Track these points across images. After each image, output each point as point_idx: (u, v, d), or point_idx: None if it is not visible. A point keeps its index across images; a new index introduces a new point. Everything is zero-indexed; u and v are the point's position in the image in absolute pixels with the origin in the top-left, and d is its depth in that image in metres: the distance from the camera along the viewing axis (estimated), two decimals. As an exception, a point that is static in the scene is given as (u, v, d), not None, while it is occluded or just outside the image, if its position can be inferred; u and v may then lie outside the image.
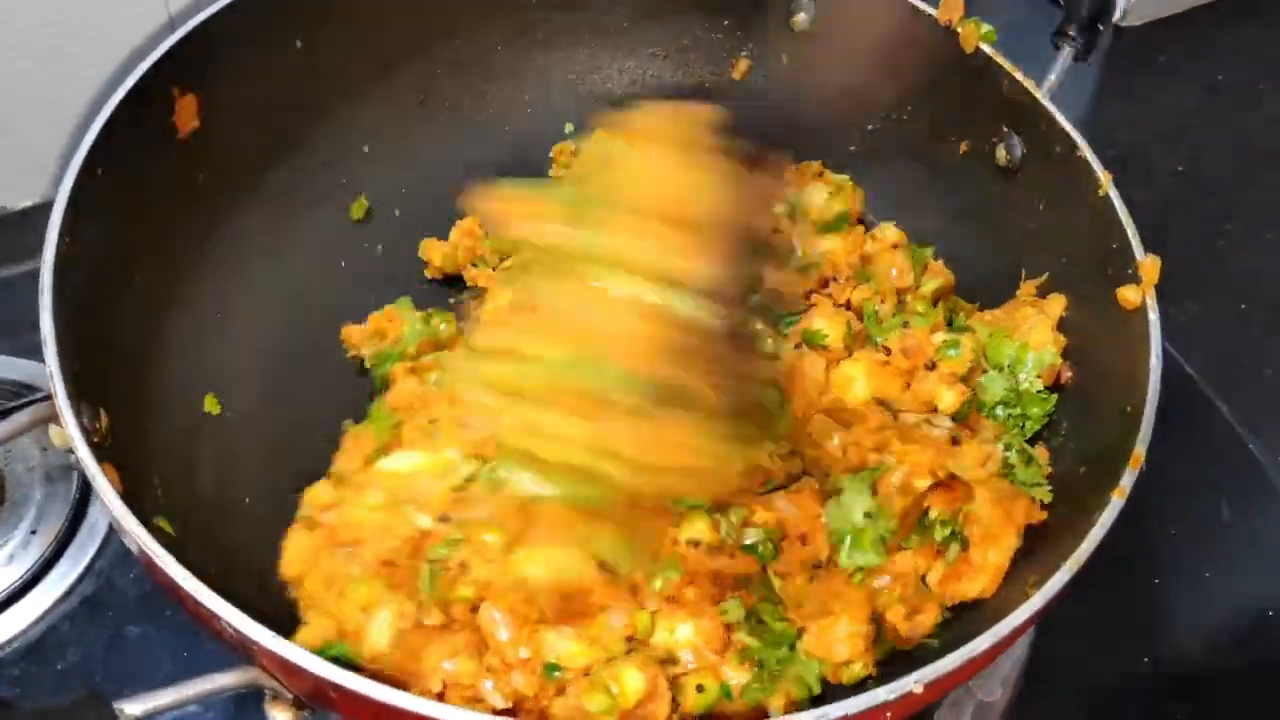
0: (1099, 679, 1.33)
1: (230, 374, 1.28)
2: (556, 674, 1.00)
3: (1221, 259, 1.51)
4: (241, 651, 0.92)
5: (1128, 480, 1.03)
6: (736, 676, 1.06)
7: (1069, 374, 1.24)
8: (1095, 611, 1.34)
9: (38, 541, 1.29)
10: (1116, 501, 1.02)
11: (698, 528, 1.10)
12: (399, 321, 1.32)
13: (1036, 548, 1.11)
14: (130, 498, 0.97)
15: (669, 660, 1.06)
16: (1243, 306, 1.53)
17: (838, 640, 1.05)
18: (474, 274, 1.42)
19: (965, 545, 1.10)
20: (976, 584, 1.10)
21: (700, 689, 1.04)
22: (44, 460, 1.34)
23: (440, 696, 1.00)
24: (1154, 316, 1.13)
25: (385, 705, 0.85)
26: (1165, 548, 1.41)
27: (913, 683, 0.90)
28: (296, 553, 1.04)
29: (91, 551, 1.30)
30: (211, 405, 1.25)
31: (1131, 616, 1.36)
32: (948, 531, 1.10)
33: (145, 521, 0.95)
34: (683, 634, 1.05)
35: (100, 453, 0.98)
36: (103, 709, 0.86)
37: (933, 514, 1.11)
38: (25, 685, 1.20)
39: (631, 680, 1.00)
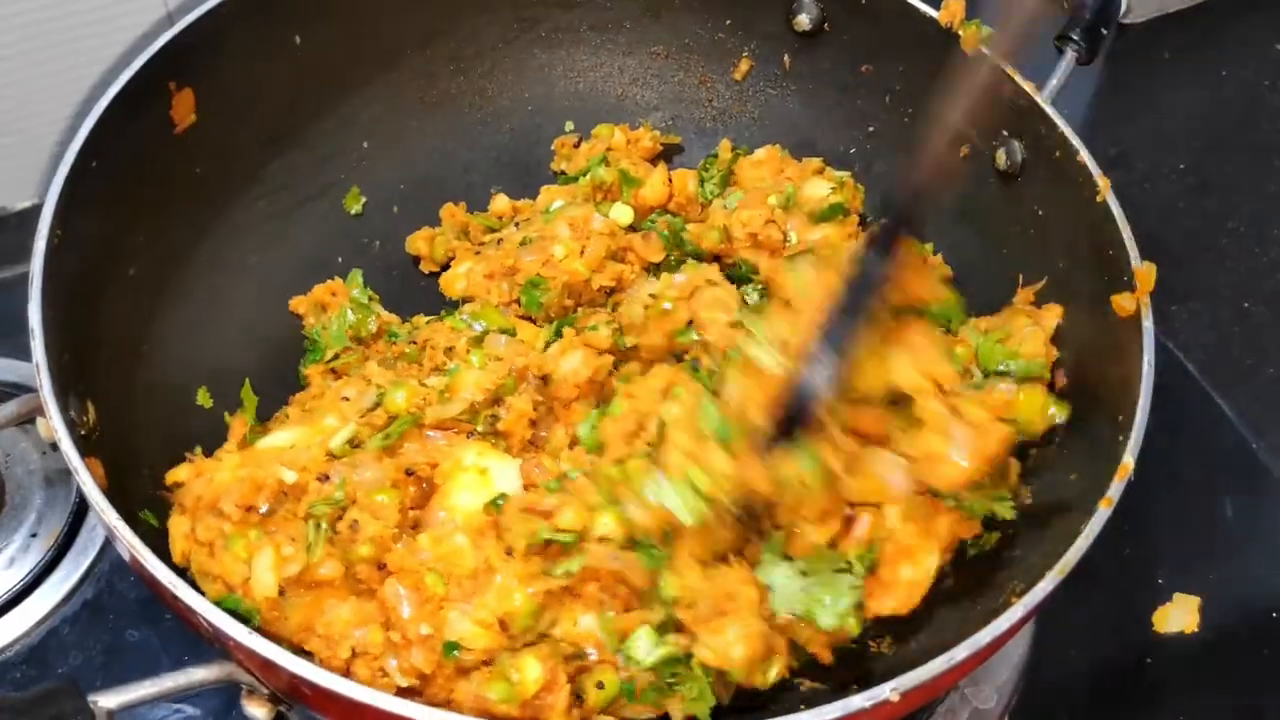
0: (1099, 680, 1.32)
1: (224, 368, 1.28)
2: (455, 654, 1.00)
3: (1224, 256, 1.49)
4: (219, 646, 0.92)
5: (1116, 490, 1.02)
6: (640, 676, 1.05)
7: (1063, 381, 1.22)
8: (1096, 611, 1.33)
9: (38, 545, 1.30)
10: (1103, 511, 1.01)
11: (609, 525, 1.08)
12: (342, 295, 1.33)
13: (1023, 555, 1.10)
14: (115, 491, 0.97)
15: (576, 655, 1.05)
16: (1245, 304, 1.51)
17: (731, 643, 1.02)
18: (454, 246, 1.43)
19: (874, 567, 1.10)
20: (889, 601, 1.09)
21: (600, 685, 1.03)
22: (44, 464, 1.35)
23: (348, 665, 1.01)
24: (1148, 324, 1.12)
25: (356, 702, 0.85)
26: (1166, 547, 1.40)
27: (889, 690, 0.89)
28: (176, 535, 1.04)
29: (92, 555, 1.30)
30: (204, 399, 1.25)
31: (1132, 617, 1.35)
32: (865, 566, 1.09)
33: (129, 515, 0.96)
34: (585, 625, 1.05)
35: (86, 446, 0.99)
36: (78, 700, 0.86)
37: (851, 553, 1.10)
38: (25, 689, 1.19)
39: (531, 670, 0.99)
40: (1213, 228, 1.48)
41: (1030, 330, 1.22)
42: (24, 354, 1.41)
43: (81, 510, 1.33)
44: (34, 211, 1.53)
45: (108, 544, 1.31)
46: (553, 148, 1.54)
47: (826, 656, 1.09)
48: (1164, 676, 1.31)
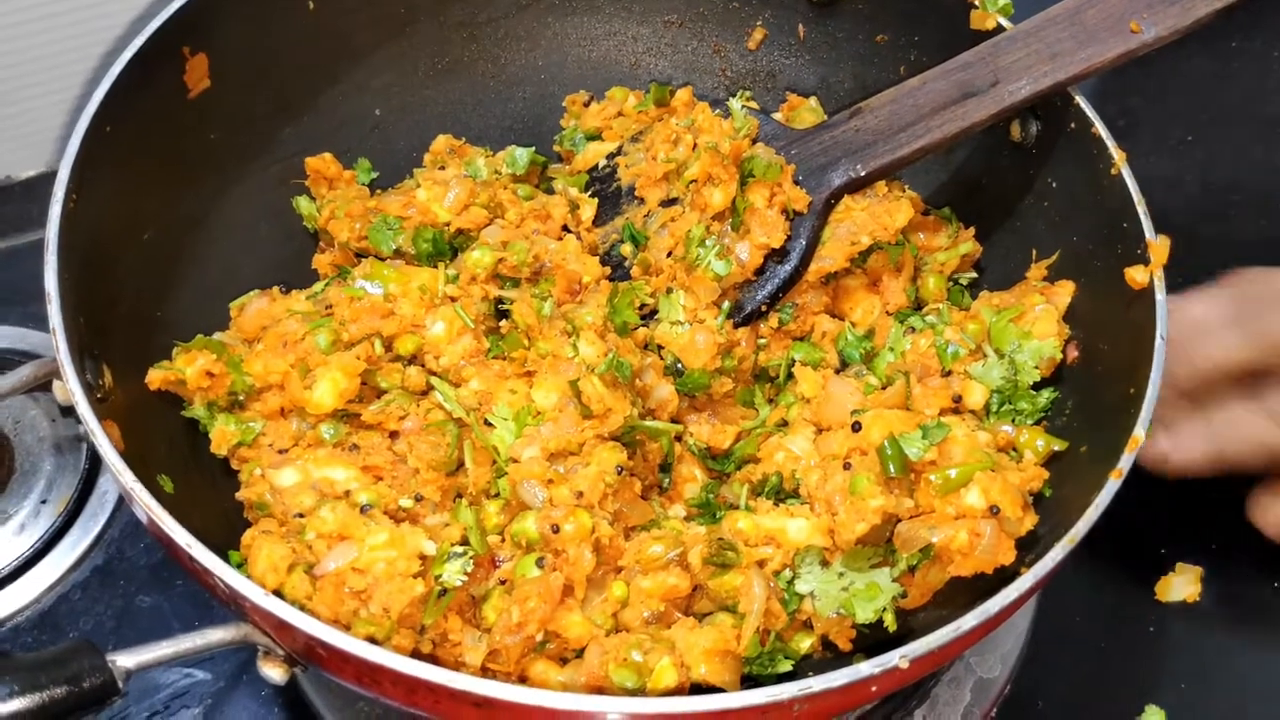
0: (1102, 650, 1.33)
1: (238, 333, 1.28)
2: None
3: (1229, 228, 1.48)
4: (235, 608, 0.93)
5: (1126, 462, 1.02)
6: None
7: (1075, 354, 1.22)
8: (1099, 581, 1.34)
9: (48, 511, 1.31)
10: (1114, 483, 1.01)
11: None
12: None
13: (1033, 525, 1.11)
14: (132, 455, 0.98)
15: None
16: (1250, 277, 1.50)
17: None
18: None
19: (913, 569, 1.11)
20: (908, 598, 1.11)
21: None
22: (54, 431, 1.36)
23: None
24: (1161, 298, 1.11)
25: (370, 663, 0.86)
26: (1169, 517, 1.40)
27: (898, 658, 0.90)
28: (270, 564, 1.01)
29: (102, 521, 1.32)
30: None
31: (1135, 586, 1.36)
32: (909, 566, 1.11)
33: (146, 478, 0.96)
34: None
35: (102, 409, 1.00)
36: (96, 658, 0.87)
37: (903, 556, 1.10)
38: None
39: (667, 675, 1.02)
40: (1218, 200, 1.47)
41: (1043, 309, 1.22)
42: (33, 322, 1.44)
43: (91, 477, 1.34)
44: (39, 181, 1.55)
45: (118, 510, 1.32)
46: (563, 104, 1.53)
47: (847, 645, 1.10)
48: (1166, 646, 1.32)
